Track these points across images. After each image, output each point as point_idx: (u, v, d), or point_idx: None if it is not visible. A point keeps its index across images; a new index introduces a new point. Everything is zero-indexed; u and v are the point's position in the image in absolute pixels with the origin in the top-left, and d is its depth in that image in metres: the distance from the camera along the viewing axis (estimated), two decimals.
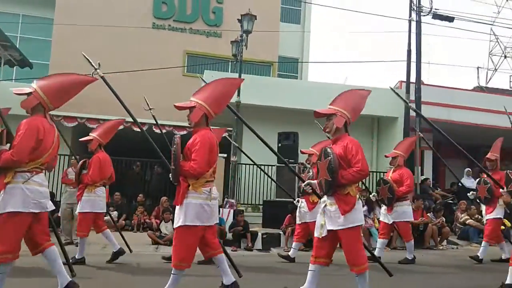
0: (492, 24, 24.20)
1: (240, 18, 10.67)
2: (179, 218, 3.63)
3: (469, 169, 11.33)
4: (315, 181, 4.15)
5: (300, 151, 7.43)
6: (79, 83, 3.82)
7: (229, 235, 7.99)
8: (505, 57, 28.22)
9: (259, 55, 16.25)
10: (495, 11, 27.47)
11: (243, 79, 4.52)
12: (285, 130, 10.28)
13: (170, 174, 3.75)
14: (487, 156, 6.63)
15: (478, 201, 7.13)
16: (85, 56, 4.39)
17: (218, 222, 4.25)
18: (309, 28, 19.37)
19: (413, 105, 11.45)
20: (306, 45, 19.22)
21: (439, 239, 8.84)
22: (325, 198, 3.77)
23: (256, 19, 10.68)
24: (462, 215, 9.63)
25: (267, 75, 16.85)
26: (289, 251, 6.79)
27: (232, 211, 8.67)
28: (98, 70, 4.30)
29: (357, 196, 3.70)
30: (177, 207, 3.71)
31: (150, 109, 6.50)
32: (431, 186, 11.88)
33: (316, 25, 49.92)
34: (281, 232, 8.30)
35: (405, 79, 11.84)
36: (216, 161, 3.82)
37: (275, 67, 17.64)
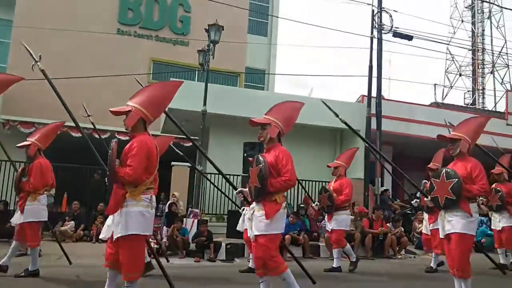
0: (448, 44, 25.70)
1: (207, 28, 10.69)
2: (119, 227, 3.44)
3: (426, 180, 11.82)
4: (246, 189, 4.23)
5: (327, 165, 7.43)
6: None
7: (193, 246, 7.88)
8: (460, 75, 29.90)
9: (227, 65, 16.34)
10: (451, 31, 29.25)
11: (182, 82, 4.36)
12: (251, 141, 10.34)
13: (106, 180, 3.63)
14: (429, 165, 7.18)
15: (423, 209, 7.69)
16: (25, 47, 4.26)
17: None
18: (275, 40, 19.71)
19: (374, 119, 11.90)
20: (273, 57, 19.53)
21: (397, 248, 9.13)
22: (254, 204, 3.91)
23: (223, 29, 10.75)
24: (420, 225, 10.00)
25: (234, 85, 16.94)
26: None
27: (196, 221, 8.58)
28: (38, 63, 4.18)
29: (283, 205, 3.86)
30: (113, 216, 3.55)
31: (88, 115, 6.43)
32: (390, 197, 12.28)
33: (284, 38, 50.80)
34: (245, 243, 8.29)
35: (367, 94, 12.26)
36: (157, 168, 3.68)
37: (242, 77, 17.78)
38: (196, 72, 15.86)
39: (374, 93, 12.16)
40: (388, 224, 9.44)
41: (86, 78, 13.06)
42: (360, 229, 9.07)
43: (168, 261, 7.17)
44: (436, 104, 17.56)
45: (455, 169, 4.22)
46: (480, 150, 5.92)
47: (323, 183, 11.19)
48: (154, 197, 3.67)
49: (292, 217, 8.62)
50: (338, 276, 6.35)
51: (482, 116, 4.31)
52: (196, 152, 10.20)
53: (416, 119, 12.77)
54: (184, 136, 12.80)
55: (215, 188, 8.70)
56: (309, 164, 11.02)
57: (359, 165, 11.33)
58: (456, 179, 4.08)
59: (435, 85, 23.29)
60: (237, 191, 4.82)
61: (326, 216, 6.94)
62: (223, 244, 8.10)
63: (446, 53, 28.82)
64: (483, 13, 29.47)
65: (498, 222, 7.16)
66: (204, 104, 10.25)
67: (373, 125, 11.92)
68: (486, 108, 25.51)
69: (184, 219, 8.71)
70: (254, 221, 3.81)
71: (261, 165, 3.75)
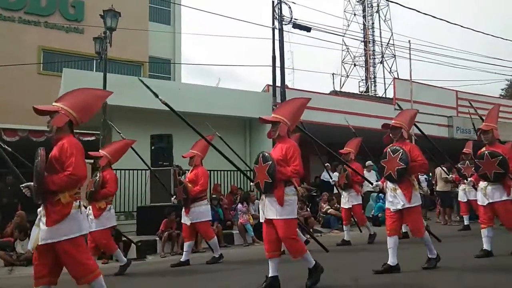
0: (343, 36, 27.60)
1: (102, 14, 9.94)
2: (58, 232, 3.26)
3: (328, 164, 12.65)
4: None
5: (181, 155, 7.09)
6: None
7: None
8: (355, 65, 32.38)
9: (128, 54, 15.50)
10: (345, 24, 31.44)
11: (111, 93, 4.15)
12: (159, 132, 9.97)
13: (32, 193, 3.33)
14: (342, 151, 7.76)
15: (338, 187, 8.32)
16: None
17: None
18: (179, 29, 19.19)
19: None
20: (177, 46, 19.00)
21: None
22: (263, 196, 4.37)
23: (120, 15, 10.07)
24: (325, 205, 10.67)
25: (137, 75, 16.15)
26: (165, 257, 6.60)
27: None
28: None
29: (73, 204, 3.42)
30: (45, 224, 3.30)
31: None
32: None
33: (190, 28, 49.90)
34: (157, 238, 8.02)
35: (272, 83, 12.60)
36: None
37: (146, 67, 17.03)
38: (94, 61, 14.76)
39: (279, 83, 12.56)
40: None
41: None
42: None
43: None
44: (334, 92, 18.74)
45: (271, 153, 4.30)
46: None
47: (234, 172, 11.35)
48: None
49: None
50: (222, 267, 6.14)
51: (302, 98, 4.72)
52: (98, 146, 9.52)
53: (317, 106, 13.51)
54: (83, 131, 11.91)
55: (122, 184, 8.25)
56: (218, 153, 10.99)
57: None
58: (270, 162, 4.11)
59: (333, 74, 24.99)
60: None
61: (183, 210, 6.43)
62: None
63: (342, 45, 30.93)
64: (372, 7, 32.16)
65: (347, 200, 7.86)
66: None
67: None
68: (377, 95, 28.05)
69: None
70: (270, 208, 4.21)
71: (269, 162, 4.13)
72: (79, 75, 10.83)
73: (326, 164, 10.09)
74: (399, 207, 4.78)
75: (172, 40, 18.72)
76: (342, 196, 8.13)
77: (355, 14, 31.97)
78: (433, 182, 11.83)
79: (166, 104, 5.50)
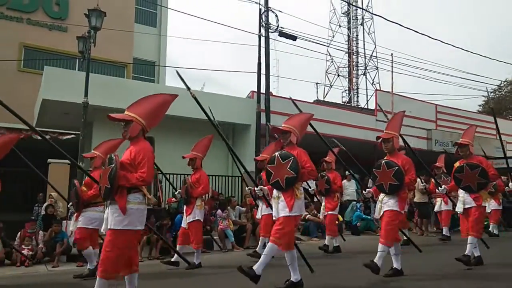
0: (328, 46, 27.98)
1: (87, 13, 9.82)
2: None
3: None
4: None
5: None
6: None
7: (75, 250, 7.22)
8: (338, 75, 32.81)
9: (112, 55, 15.34)
10: (330, 35, 31.87)
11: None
12: None
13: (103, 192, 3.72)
14: (325, 159, 7.95)
15: (319, 195, 8.38)
16: None
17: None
18: (165, 32, 19.11)
19: (263, 114, 12.33)
20: (163, 49, 18.90)
21: None
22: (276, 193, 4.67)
23: (105, 15, 9.97)
24: (303, 212, 10.70)
25: (121, 76, 15.98)
26: (142, 261, 6.50)
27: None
28: None
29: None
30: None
31: None
32: None
33: (177, 31, 49.66)
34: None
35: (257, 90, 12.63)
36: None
37: (129, 68, 16.86)
38: (77, 61, 14.53)
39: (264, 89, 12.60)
40: None
41: None
42: (251, 220, 9.35)
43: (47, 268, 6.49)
44: (318, 102, 18.93)
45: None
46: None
47: (218, 177, 11.30)
48: None
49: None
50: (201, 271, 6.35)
51: (307, 113, 5.20)
52: (78, 147, 9.35)
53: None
54: (62, 130, 11.65)
55: None
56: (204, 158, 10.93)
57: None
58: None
59: (317, 84, 25.25)
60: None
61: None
62: None
63: (326, 55, 31.35)
64: (357, 19, 32.73)
65: (323, 209, 7.95)
66: (86, 95, 9.42)
67: (263, 120, 12.35)
68: (359, 106, 28.46)
69: (64, 221, 7.94)
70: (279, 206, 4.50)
71: (290, 159, 4.49)
72: (60, 73, 10.64)
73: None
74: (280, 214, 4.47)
75: (157, 43, 18.61)
76: (322, 205, 8.17)
77: (340, 26, 32.48)
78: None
79: (195, 99, 5.84)
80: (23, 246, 7.36)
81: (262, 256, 4.44)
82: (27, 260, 7.09)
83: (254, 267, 4.26)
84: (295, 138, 4.72)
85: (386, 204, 5.00)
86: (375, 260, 4.80)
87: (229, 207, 9.32)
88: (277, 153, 4.67)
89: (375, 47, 31.61)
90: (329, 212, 7.70)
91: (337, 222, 8.35)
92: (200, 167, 6.53)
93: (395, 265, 5.03)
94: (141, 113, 3.87)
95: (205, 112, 6.21)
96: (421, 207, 10.77)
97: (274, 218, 4.65)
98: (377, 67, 31.52)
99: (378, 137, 5.28)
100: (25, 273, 6.60)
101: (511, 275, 5.33)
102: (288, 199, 4.45)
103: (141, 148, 3.76)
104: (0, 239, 7.28)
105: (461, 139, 5.82)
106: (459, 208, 5.79)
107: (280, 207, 4.50)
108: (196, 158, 6.47)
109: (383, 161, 5.08)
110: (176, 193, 7.23)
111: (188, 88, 5.92)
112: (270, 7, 13.05)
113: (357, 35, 32.36)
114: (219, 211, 9.10)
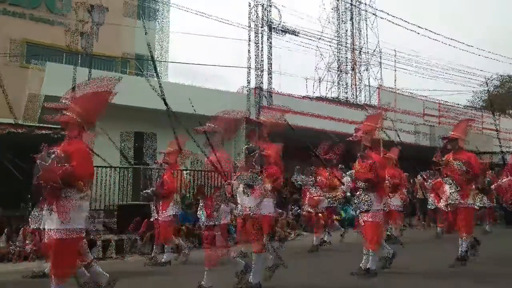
0: (330, 42, 27.78)
1: (90, 9, 9.84)
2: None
3: (299, 166, 12.63)
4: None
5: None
6: None
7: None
8: (328, 71, 32.61)
9: (114, 50, 15.36)
10: (324, 30, 31.61)
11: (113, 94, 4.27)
12: (143, 130, 9.91)
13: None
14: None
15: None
16: None
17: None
18: (168, 28, 19.10)
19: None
20: (164, 45, 18.89)
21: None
22: None
23: (107, 11, 9.99)
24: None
25: (123, 72, 16.00)
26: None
27: None
28: None
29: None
30: None
31: None
32: None
33: (180, 27, 49.56)
34: (138, 238, 7.95)
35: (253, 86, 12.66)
36: None
37: (132, 64, 16.89)
38: (80, 56, 14.55)
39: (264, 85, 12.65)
40: None
41: None
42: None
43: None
44: (307, 97, 18.67)
45: None
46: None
47: (212, 174, 11.27)
48: None
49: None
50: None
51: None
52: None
53: (298, 110, 13.55)
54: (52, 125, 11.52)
55: (103, 182, 8.10)
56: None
57: None
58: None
59: (306, 79, 24.82)
60: None
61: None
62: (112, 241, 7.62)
63: (316, 50, 31.04)
64: (360, 14, 32.46)
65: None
66: None
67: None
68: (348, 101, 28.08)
69: None
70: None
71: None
72: (63, 69, 10.65)
73: (297, 167, 10.19)
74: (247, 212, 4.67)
75: (159, 39, 18.60)
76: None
77: (329, 21, 32.18)
78: (413, 190, 11.95)
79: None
80: (26, 242, 7.38)
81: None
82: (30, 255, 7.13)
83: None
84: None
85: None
86: None
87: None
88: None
89: (378, 42, 31.38)
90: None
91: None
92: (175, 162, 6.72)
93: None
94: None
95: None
96: (422, 203, 10.78)
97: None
98: (381, 62, 31.30)
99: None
100: (27, 268, 6.62)
101: (507, 273, 5.32)
102: (254, 195, 4.83)
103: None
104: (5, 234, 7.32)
105: (451, 133, 5.78)
106: (443, 203, 5.78)
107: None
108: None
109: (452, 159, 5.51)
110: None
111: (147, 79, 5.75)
112: (263, 3, 13.03)
113: (354, 31, 32.09)
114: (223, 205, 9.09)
